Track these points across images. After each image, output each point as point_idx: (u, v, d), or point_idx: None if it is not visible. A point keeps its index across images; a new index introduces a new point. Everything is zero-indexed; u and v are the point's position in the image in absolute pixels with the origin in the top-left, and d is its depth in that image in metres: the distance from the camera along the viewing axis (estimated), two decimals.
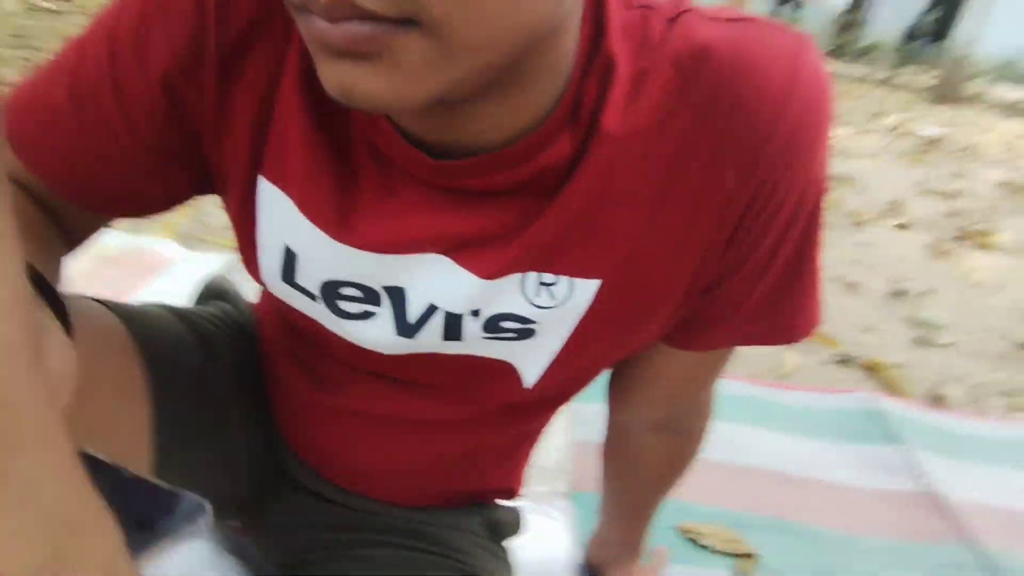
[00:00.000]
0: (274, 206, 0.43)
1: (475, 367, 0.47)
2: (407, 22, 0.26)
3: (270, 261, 0.45)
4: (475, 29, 0.27)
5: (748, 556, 0.91)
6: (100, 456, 0.29)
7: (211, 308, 0.67)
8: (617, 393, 0.59)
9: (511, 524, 0.71)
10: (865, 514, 1.04)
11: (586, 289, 0.42)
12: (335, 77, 0.28)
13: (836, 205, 2.81)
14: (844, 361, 1.53)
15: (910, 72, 9.65)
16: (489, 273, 0.41)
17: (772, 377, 1.42)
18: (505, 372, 0.47)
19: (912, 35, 11.89)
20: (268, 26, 0.40)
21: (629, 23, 0.38)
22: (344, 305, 0.45)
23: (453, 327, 0.44)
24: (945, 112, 7.02)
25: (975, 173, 4.04)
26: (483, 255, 0.41)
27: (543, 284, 0.42)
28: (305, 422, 0.60)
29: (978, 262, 2.40)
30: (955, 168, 4.08)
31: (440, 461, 0.59)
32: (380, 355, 0.48)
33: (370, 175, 0.41)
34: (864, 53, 10.49)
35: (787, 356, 1.50)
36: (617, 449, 0.66)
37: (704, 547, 0.92)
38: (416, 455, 0.58)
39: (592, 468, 1.01)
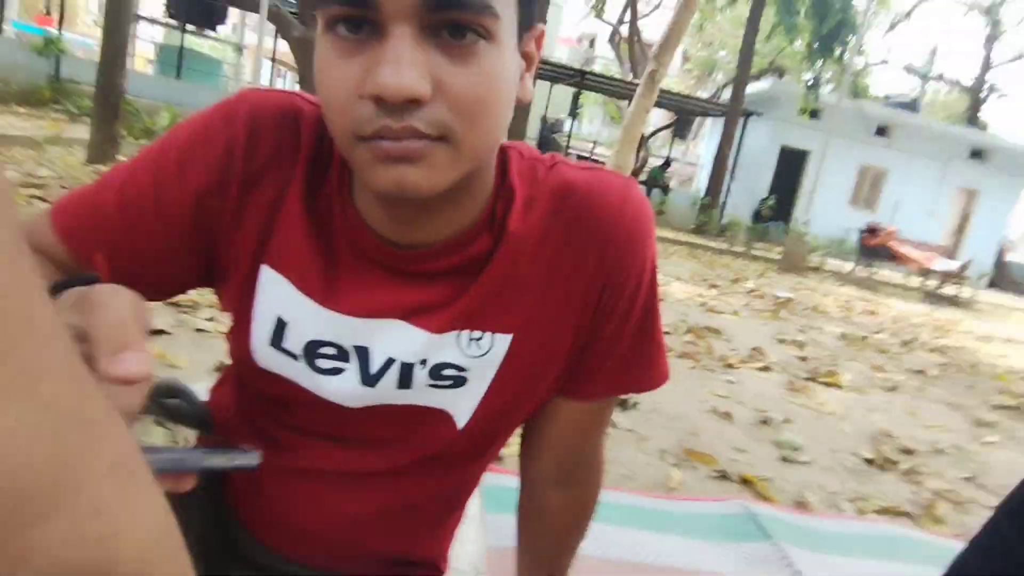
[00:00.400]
0: (273, 286, 0.57)
1: (418, 416, 0.61)
2: (441, 139, 0.46)
3: (262, 330, 0.59)
4: (476, 143, 0.48)
5: None
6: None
7: (170, 401, 0.76)
8: (526, 452, 0.73)
9: None
10: None
11: (503, 342, 0.58)
12: (392, 177, 0.46)
13: (709, 351, 3.18)
14: (722, 476, 1.72)
15: (761, 247, 11.19)
16: (435, 329, 0.57)
17: (661, 490, 1.58)
18: (442, 419, 0.61)
19: (757, 217, 13.91)
20: (277, 157, 0.57)
21: (523, 168, 0.59)
22: (320, 362, 0.58)
23: (406, 376, 0.58)
24: (792, 279, 8.13)
25: (819, 327, 4.69)
26: (430, 318, 0.57)
27: (472, 339, 0.58)
28: (255, 487, 0.68)
29: (826, 396, 2.78)
30: (803, 323, 4.72)
31: (379, 517, 0.68)
32: (336, 416, 0.61)
33: (348, 262, 0.57)
34: (723, 231, 12.11)
35: (673, 472, 1.67)
36: (529, 509, 0.77)
37: None
38: (357, 509, 0.66)
39: (506, 569, 1.08)
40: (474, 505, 1.26)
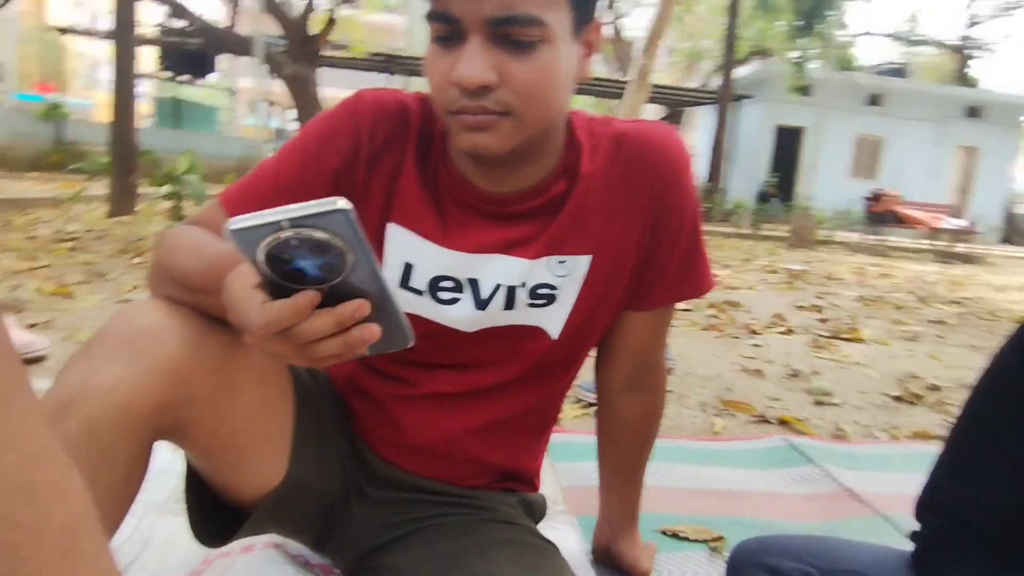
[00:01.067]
0: (399, 238, 0.72)
1: (519, 333, 0.75)
2: (505, 113, 0.60)
3: (392, 275, 0.73)
4: (535, 116, 0.62)
5: (719, 539, 1.13)
6: None
7: None
8: (602, 365, 0.87)
9: (540, 506, 0.93)
10: (800, 509, 1.30)
11: (584, 261, 0.73)
12: (470, 141, 0.62)
13: (732, 321, 3.30)
14: (761, 420, 1.85)
15: (768, 227, 11.27)
16: (530, 256, 0.71)
17: (707, 435, 1.71)
18: (538, 334, 0.76)
19: (762, 197, 14.00)
20: (393, 139, 0.72)
21: (584, 126, 0.74)
22: (441, 294, 0.73)
23: (510, 298, 0.73)
24: (803, 253, 8.22)
25: (836, 292, 4.79)
26: (525, 248, 0.72)
27: (559, 262, 0.72)
28: (384, 416, 0.82)
29: (850, 350, 2.89)
30: (819, 290, 4.83)
31: (486, 430, 0.81)
32: (453, 343, 0.75)
33: (456, 212, 0.72)
34: (728, 215, 12.22)
35: (716, 421, 1.80)
36: (607, 417, 0.91)
37: (684, 539, 1.14)
38: (468, 424, 0.79)
39: (583, 500, 1.22)
40: (544, 459, 1.41)
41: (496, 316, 0.74)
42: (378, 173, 0.72)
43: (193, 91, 19.39)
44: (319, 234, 0.41)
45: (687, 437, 1.66)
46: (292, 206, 0.41)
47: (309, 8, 11.28)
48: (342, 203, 0.40)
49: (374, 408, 0.83)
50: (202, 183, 4.46)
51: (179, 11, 11.10)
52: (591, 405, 1.80)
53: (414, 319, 0.75)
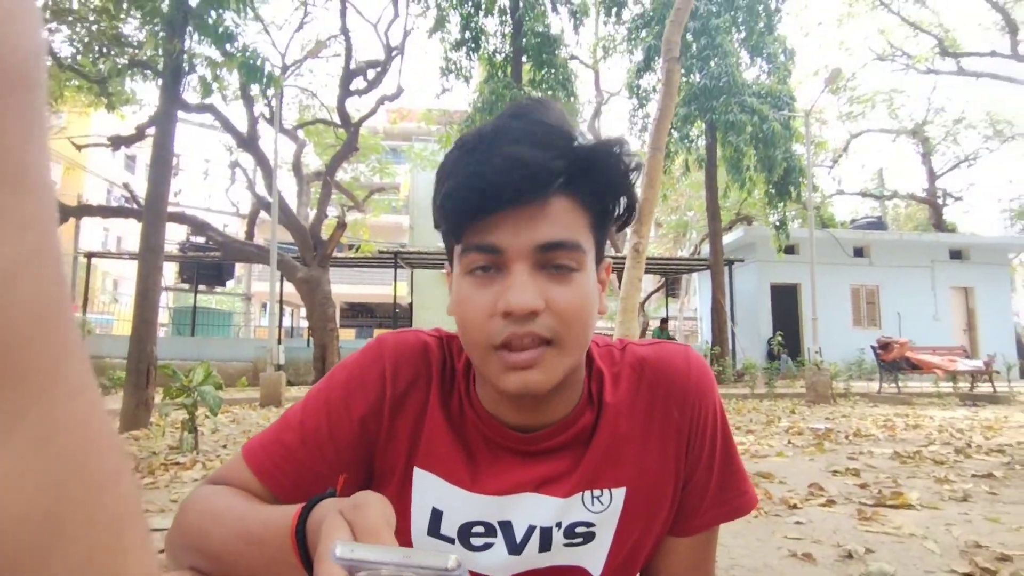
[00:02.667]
0: (426, 483, 0.70)
1: (559, 575, 0.70)
2: (549, 343, 0.62)
3: (420, 523, 0.70)
4: (574, 343, 0.64)
5: None
6: None
7: None
8: None
9: None
10: None
11: (619, 494, 0.70)
12: (519, 380, 0.62)
13: (767, 496, 3.12)
14: None
15: (782, 384, 11.12)
16: (563, 494, 0.69)
17: None
18: (580, 574, 0.71)
19: (770, 355, 13.98)
20: (416, 381, 0.73)
21: (602, 353, 0.76)
22: (474, 540, 0.69)
23: (546, 539, 0.69)
24: (823, 409, 8.02)
25: (868, 451, 4.59)
26: (557, 485, 0.69)
27: (595, 497, 0.70)
28: None
29: (900, 519, 2.69)
30: (851, 450, 4.63)
31: None
32: None
33: (483, 451, 0.71)
34: (740, 376, 12.12)
35: None
36: None
37: None
38: None
39: None
40: None
41: (532, 559, 0.70)
42: (403, 416, 0.72)
43: (209, 298, 20.31)
44: None
45: None
46: (403, 551, 0.41)
47: (321, 216, 12.21)
48: (453, 562, 0.39)
49: None
50: (218, 395, 4.48)
51: (200, 229, 12.02)
52: None
53: None
